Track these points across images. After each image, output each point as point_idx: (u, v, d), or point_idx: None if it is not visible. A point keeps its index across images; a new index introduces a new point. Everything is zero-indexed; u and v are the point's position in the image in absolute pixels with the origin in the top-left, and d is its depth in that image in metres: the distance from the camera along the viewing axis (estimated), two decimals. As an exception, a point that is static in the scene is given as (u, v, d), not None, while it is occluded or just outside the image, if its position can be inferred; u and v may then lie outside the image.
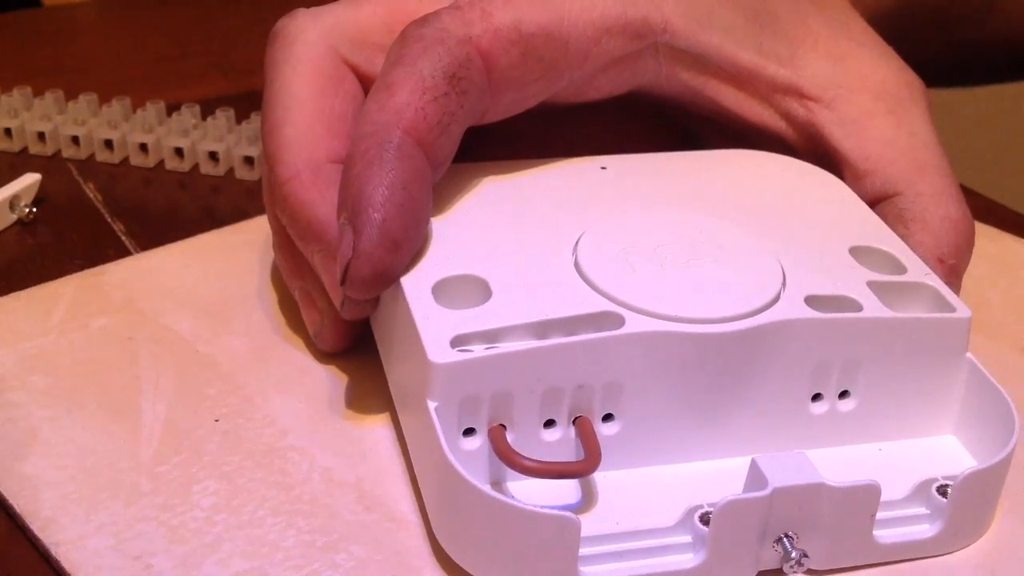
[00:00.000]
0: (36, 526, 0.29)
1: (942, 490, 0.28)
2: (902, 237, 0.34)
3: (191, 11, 0.69)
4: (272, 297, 0.38)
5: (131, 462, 0.31)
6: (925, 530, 0.28)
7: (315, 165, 0.32)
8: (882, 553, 0.28)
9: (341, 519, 0.29)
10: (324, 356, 0.35)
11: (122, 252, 0.42)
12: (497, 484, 0.29)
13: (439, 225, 0.32)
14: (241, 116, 0.50)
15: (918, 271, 0.32)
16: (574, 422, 0.29)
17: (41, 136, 0.50)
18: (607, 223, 0.32)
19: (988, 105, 0.92)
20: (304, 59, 0.33)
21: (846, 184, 0.36)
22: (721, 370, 0.29)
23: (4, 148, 0.50)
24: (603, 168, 0.35)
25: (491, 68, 0.32)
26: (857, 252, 0.32)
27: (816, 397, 0.30)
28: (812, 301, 0.30)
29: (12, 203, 0.44)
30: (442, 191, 0.33)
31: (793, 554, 0.27)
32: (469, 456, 0.28)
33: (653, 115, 0.40)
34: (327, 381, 0.34)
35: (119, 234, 0.44)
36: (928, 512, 0.28)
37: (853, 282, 0.31)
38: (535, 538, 0.26)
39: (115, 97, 0.51)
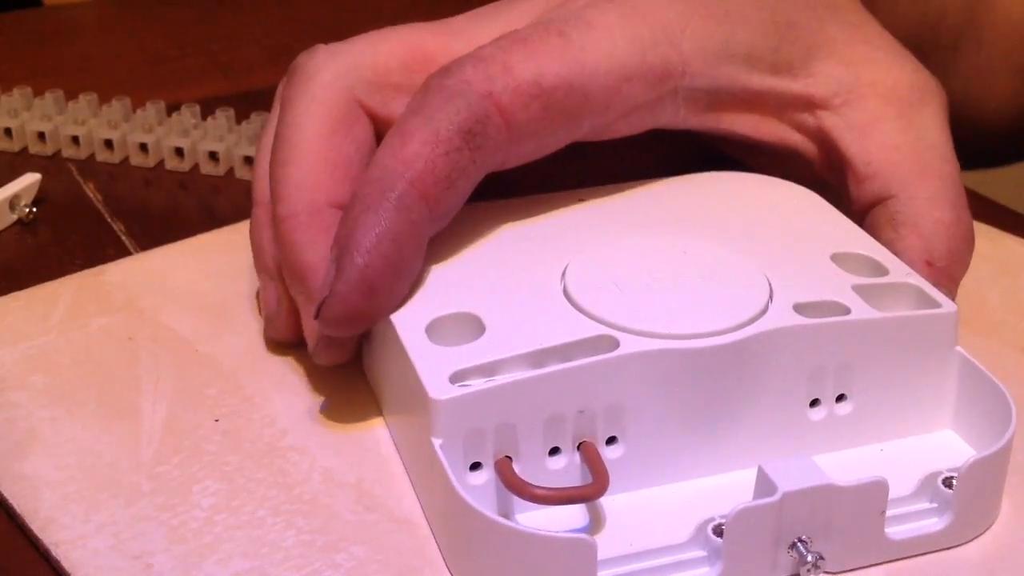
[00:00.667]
0: (36, 526, 0.29)
1: (947, 482, 0.28)
2: (892, 240, 0.34)
3: (191, 11, 0.69)
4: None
5: (131, 462, 0.31)
6: (935, 523, 0.28)
7: (314, 208, 0.32)
8: (895, 550, 0.28)
9: (341, 519, 0.29)
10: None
11: (122, 252, 0.42)
12: (506, 516, 0.29)
13: (430, 264, 0.32)
14: (241, 116, 0.50)
15: (900, 272, 0.32)
16: (578, 448, 0.29)
17: (41, 136, 0.50)
18: (591, 252, 0.32)
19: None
20: (318, 99, 0.33)
21: (850, 189, 0.36)
22: (718, 384, 0.29)
23: (4, 148, 0.50)
24: (581, 200, 0.36)
25: (510, 123, 0.32)
26: (839, 259, 0.32)
27: (814, 403, 0.30)
28: (800, 308, 0.30)
29: (12, 203, 0.44)
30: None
31: (809, 558, 0.27)
32: (477, 490, 0.28)
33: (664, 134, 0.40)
34: (327, 381, 0.34)
35: (119, 234, 0.44)
36: (936, 505, 0.29)
37: (838, 287, 0.31)
38: (553, 564, 0.26)
39: (115, 97, 0.51)
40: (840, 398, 0.31)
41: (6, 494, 0.30)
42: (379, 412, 0.33)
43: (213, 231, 0.42)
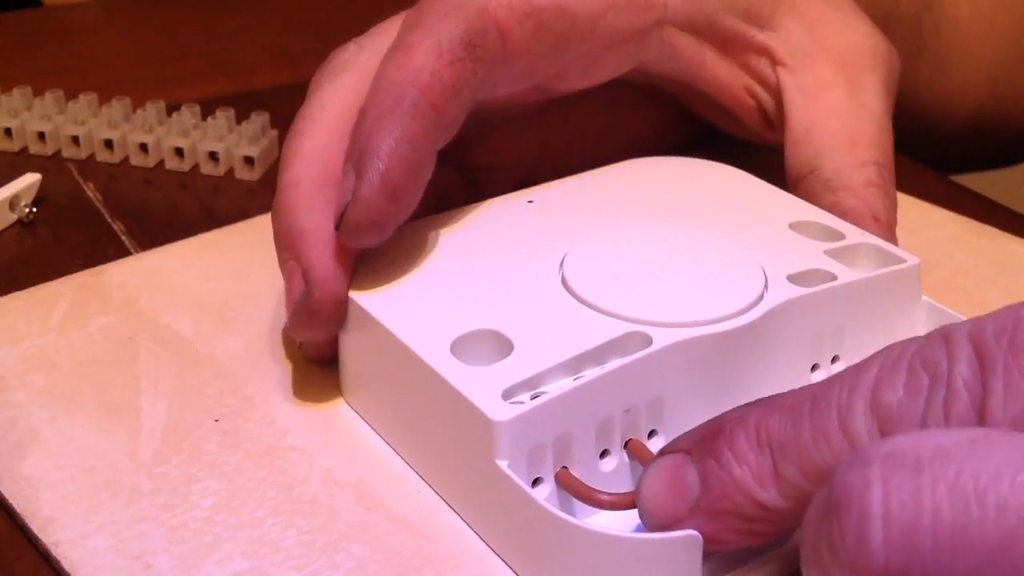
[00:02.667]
0: (36, 526, 0.29)
1: None
2: (833, 204, 0.37)
3: (191, 11, 0.69)
4: (272, 297, 0.38)
5: (131, 462, 0.31)
6: None
7: (320, 179, 0.32)
8: None
9: (341, 519, 0.29)
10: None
11: (122, 252, 0.42)
12: None
13: (425, 282, 0.32)
14: (241, 116, 0.50)
15: (855, 234, 0.34)
16: (625, 446, 0.29)
17: (41, 136, 0.50)
18: (579, 248, 0.33)
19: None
20: (345, 84, 0.34)
21: (786, 151, 0.39)
22: (741, 362, 0.30)
23: (4, 148, 0.50)
24: (530, 201, 0.36)
25: (506, 37, 0.33)
26: (796, 228, 0.34)
27: (814, 368, 0.32)
28: (794, 279, 0.31)
29: (12, 203, 0.44)
30: (404, 248, 0.33)
31: None
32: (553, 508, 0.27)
33: (644, 90, 0.42)
34: (327, 381, 0.34)
35: (119, 234, 0.44)
36: None
37: (813, 255, 0.33)
38: (659, 566, 0.25)
39: (115, 97, 0.51)
40: (835, 359, 0.32)
41: (6, 494, 0.30)
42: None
43: (213, 231, 0.42)
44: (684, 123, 0.45)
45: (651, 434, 0.29)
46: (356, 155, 0.31)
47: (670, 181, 0.38)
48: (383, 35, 0.35)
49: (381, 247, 0.32)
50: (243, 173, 0.48)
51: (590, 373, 0.28)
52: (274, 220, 0.33)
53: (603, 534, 0.25)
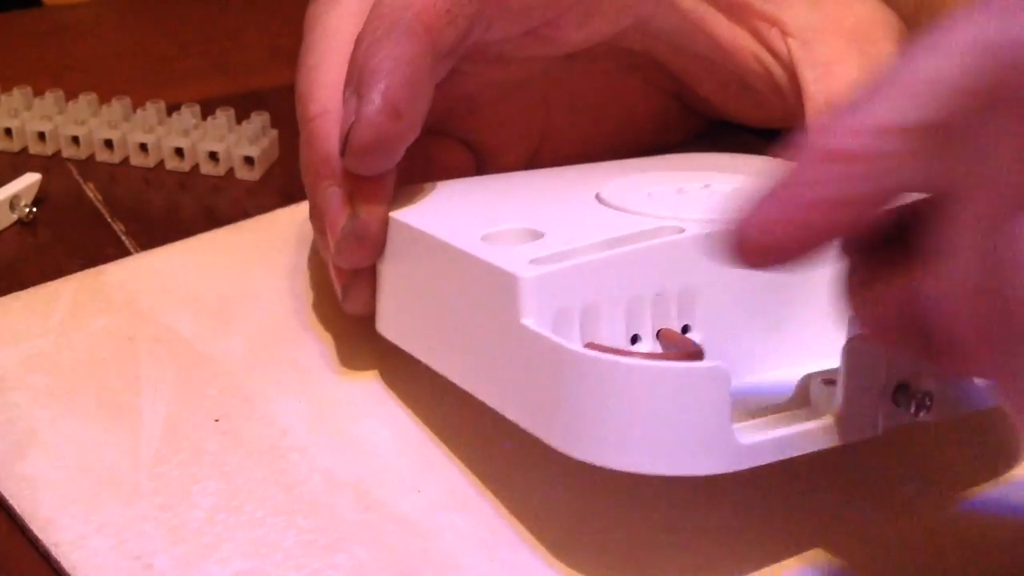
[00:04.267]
0: (36, 526, 0.29)
1: None
2: None
3: (191, 11, 0.69)
4: (272, 297, 0.38)
5: (131, 462, 0.31)
6: None
7: None
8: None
9: (341, 519, 0.29)
10: (324, 356, 0.35)
11: (122, 252, 0.42)
12: None
13: (456, 200, 0.32)
14: (241, 116, 0.50)
15: None
16: (657, 336, 0.29)
17: (41, 136, 0.50)
18: (614, 179, 0.33)
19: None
20: (350, 9, 0.34)
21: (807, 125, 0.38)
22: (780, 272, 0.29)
23: (4, 148, 0.50)
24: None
25: None
26: None
27: None
28: None
29: (12, 203, 0.44)
30: (436, 186, 0.34)
31: (919, 398, 0.26)
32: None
33: (645, 73, 0.42)
34: (327, 381, 0.34)
35: (119, 234, 0.44)
36: None
37: None
38: (687, 397, 0.25)
39: (115, 97, 0.50)
40: None
41: (6, 494, 0.30)
42: (379, 412, 0.33)
43: (213, 231, 0.42)
44: (684, 114, 0.45)
45: (684, 329, 0.29)
46: (355, 77, 0.31)
47: (717, 162, 0.38)
48: None
49: (418, 187, 0.33)
50: (243, 173, 0.48)
51: (620, 249, 0.28)
52: (307, 151, 0.33)
53: (632, 364, 0.25)
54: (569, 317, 0.27)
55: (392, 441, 0.32)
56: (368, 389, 0.34)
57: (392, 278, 0.33)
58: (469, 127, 0.40)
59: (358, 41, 0.32)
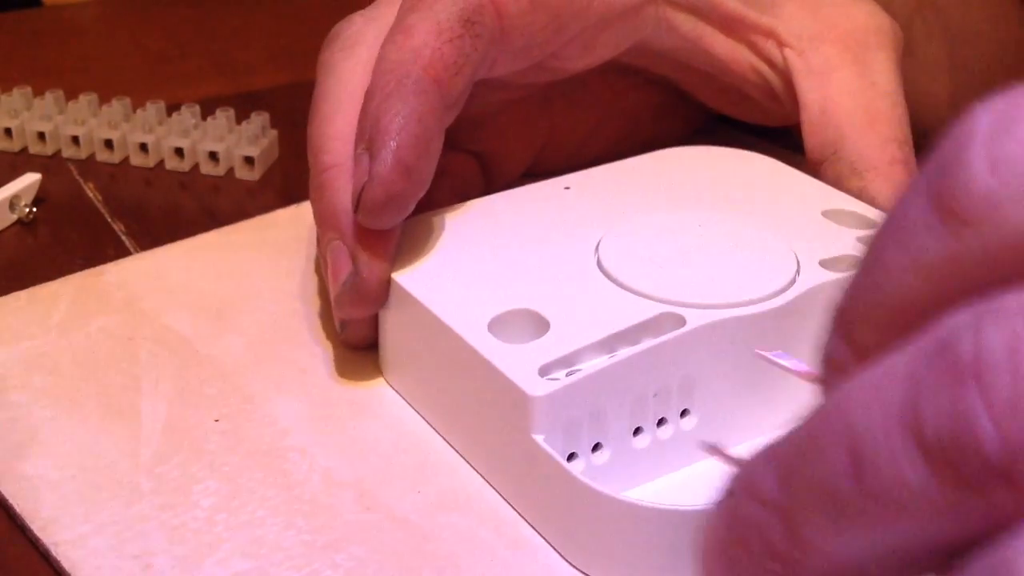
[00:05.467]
0: (36, 526, 0.29)
1: None
2: (861, 189, 0.37)
3: (191, 11, 0.69)
4: (272, 297, 0.38)
5: (131, 462, 0.31)
6: None
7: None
8: None
9: (341, 519, 0.29)
10: (324, 356, 0.35)
11: (122, 252, 0.42)
12: None
13: (465, 264, 0.33)
14: (241, 116, 0.50)
15: None
16: (658, 424, 0.30)
17: (41, 136, 0.50)
18: (614, 233, 0.33)
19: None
20: (363, 59, 0.34)
21: (804, 133, 0.39)
22: (773, 344, 0.30)
23: (4, 148, 0.50)
24: (567, 188, 0.37)
25: (502, 15, 0.34)
26: (829, 215, 0.35)
27: None
28: (826, 264, 0.32)
29: (12, 203, 0.44)
30: (445, 232, 0.34)
31: None
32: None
33: (645, 72, 0.43)
34: (327, 381, 0.34)
35: (119, 234, 0.44)
36: None
37: (845, 241, 0.33)
38: (690, 537, 0.25)
39: (115, 97, 0.50)
40: None
41: (6, 494, 0.30)
42: (379, 412, 0.33)
43: (213, 231, 0.42)
44: (684, 108, 0.45)
45: (683, 413, 0.30)
46: (367, 136, 0.31)
47: (704, 169, 0.38)
48: (388, 6, 0.35)
49: (422, 231, 0.33)
50: (243, 173, 0.48)
51: (624, 352, 0.29)
52: (317, 202, 0.33)
53: (633, 504, 0.26)
54: (578, 424, 0.28)
55: (392, 441, 0.32)
56: (368, 389, 0.34)
57: (395, 334, 0.34)
58: (474, 139, 0.40)
59: (368, 95, 0.32)
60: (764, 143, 0.44)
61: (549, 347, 0.29)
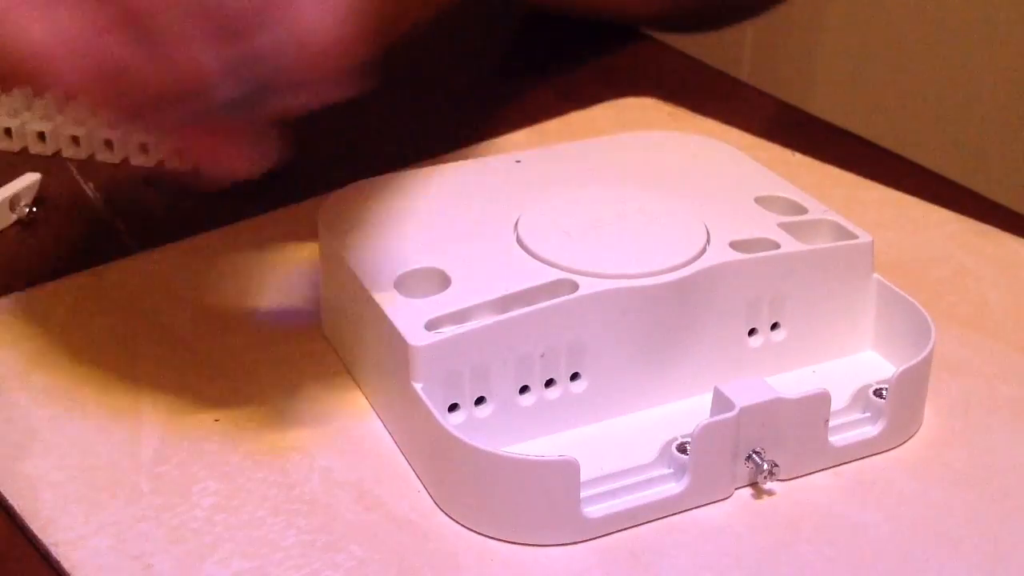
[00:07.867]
0: (36, 526, 0.29)
1: (878, 393, 0.31)
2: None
3: (191, 11, 0.69)
4: (272, 297, 0.38)
5: (131, 462, 0.31)
6: (871, 430, 0.31)
7: None
8: (837, 455, 0.31)
9: (341, 519, 0.29)
10: (324, 356, 0.35)
11: (122, 252, 0.42)
12: None
13: (390, 226, 0.34)
14: (241, 116, 0.50)
15: (817, 210, 0.36)
16: (546, 385, 0.31)
17: (41, 136, 0.50)
18: (540, 205, 0.35)
19: (990, 105, 0.92)
20: None
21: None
22: (668, 317, 0.32)
23: (4, 148, 0.50)
24: (518, 161, 0.38)
25: None
26: (761, 201, 0.36)
27: (752, 332, 0.33)
28: (736, 245, 0.33)
29: (12, 203, 0.44)
30: (384, 197, 0.36)
31: (764, 466, 0.30)
32: (458, 429, 0.29)
33: None
34: (327, 381, 0.34)
35: (119, 234, 0.44)
36: (870, 414, 0.32)
37: (766, 226, 0.34)
38: (541, 485, 0.28)
39: (115, 97, 0.50)
40: (775, 326, 0.34)
41: (6, 494, 0.30)
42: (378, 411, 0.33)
43: (213, 231, 0.42)
44: None
45: (574, 376, 0.31)
46: None
47: (659, 152, 0.39)
48: None
49: (372, 196, 0.35)
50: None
51: (516, 312, 0.30)
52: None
53: (490, 453, 0.28)
54: (460, 377, 0.30)
55: (392, 441, 0.32)
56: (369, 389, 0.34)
57: (327, 287, 0.35)
58: None
59: None
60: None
61: (444, 302, 0.31)
